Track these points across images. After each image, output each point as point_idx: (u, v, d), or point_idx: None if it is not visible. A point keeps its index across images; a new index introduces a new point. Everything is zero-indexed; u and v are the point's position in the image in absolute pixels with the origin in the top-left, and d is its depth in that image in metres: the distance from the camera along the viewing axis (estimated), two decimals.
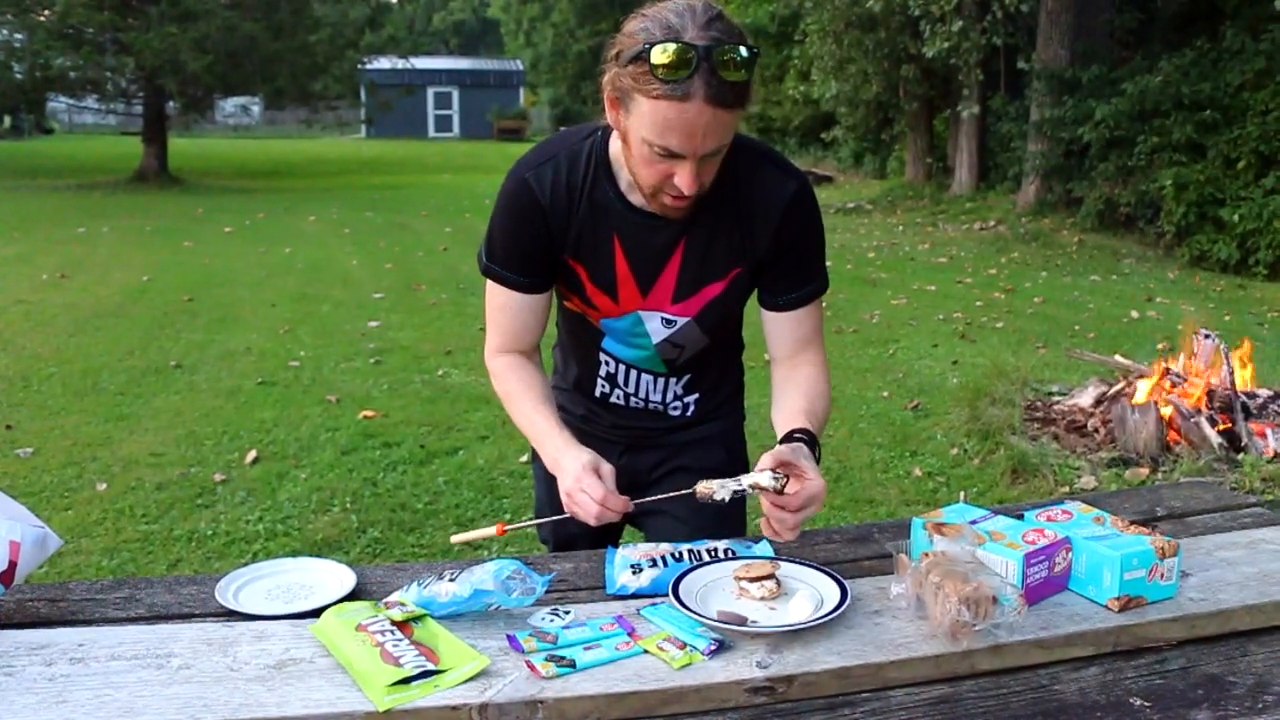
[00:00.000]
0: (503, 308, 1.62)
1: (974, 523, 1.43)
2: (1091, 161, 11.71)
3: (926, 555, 1.32)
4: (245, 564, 1.65)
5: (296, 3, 19.33)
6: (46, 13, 17.06)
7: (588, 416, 1.78)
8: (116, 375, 5.65)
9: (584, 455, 1.47)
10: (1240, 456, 4.00)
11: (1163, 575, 1.35)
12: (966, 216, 13.50)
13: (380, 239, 11.60)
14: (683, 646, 1.23)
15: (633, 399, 1.73)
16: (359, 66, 22.49)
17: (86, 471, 4.22)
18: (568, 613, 1.32)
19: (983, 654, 1.24)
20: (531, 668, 1.18)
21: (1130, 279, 9.45)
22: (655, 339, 1.63)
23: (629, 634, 1.26)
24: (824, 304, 1.65)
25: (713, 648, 1.22)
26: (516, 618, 1.31)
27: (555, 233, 1.54)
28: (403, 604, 1.30)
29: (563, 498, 1.47)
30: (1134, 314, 7.70)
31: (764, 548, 1.50)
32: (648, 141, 1.36)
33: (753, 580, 1.34)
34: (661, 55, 1.28)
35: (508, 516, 3.81)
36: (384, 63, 24.28)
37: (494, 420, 4.75)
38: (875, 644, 1.24)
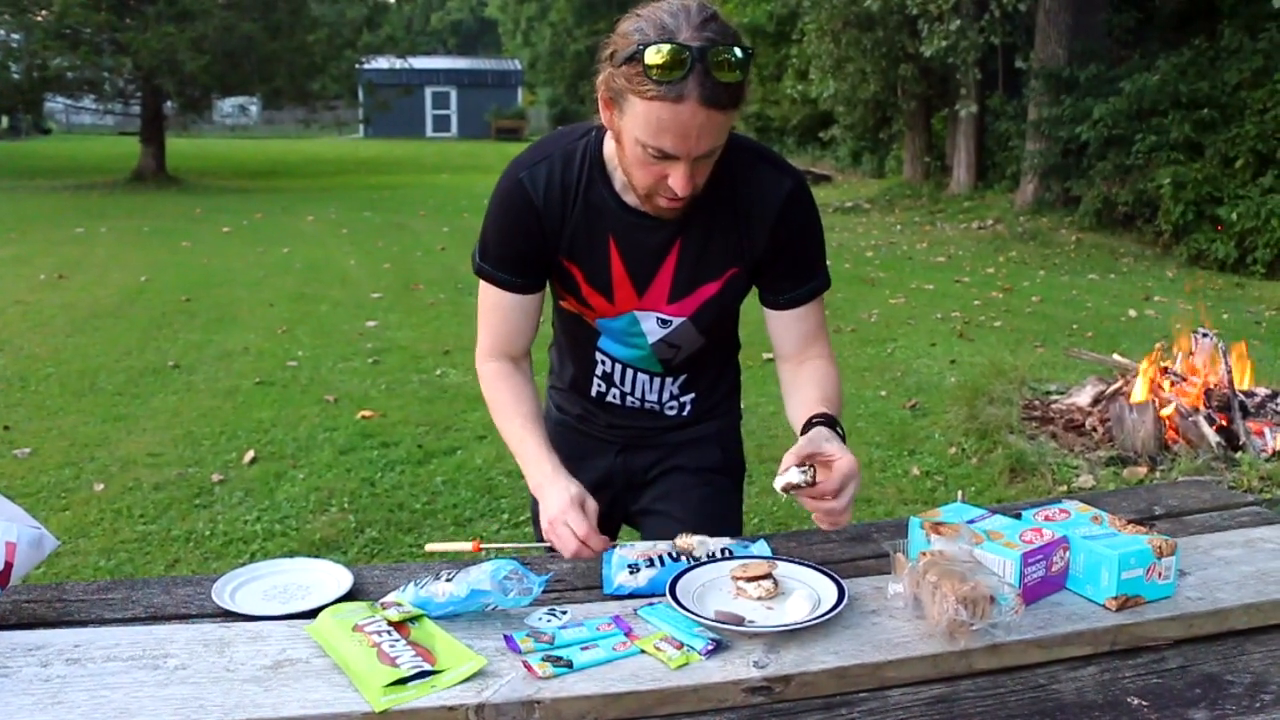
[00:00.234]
0: (495, 308, 1.62)
1: (972, 522, 1.43)
2: (1089, 160, 11.71)
3: (924, 554, 1.32)
4: (243, 564, 1.65)
5: (294, 2, 19.33)
6: (44, 13, 17.04)
7: (584, 416, 1.78)
8: (114, 375, 5.65)
9: (572, 488, 1.48)
10: (1238, 455, 4.00)
11: (1160, 574, 1.34)
12: (964, 215, 13.51)
13: (378, 239, 11.60)
14: (680, 646, 1.22)
15: (629, 398, 1.72)
16: (357, 66, 22.49)
17: (84, 472, 4.21)
18: (564, 613, 1.32)
19: (980, 653, 1.24)
20: (528, 668, 1.18)
21: (1128, 278, 9.45)
22: (651, 339, 1.62)
23: (626, 634, 1.26)
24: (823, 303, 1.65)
25: (710, 648, 1.22)
26: (513, 618, 1.30)
27: (549, 233, 1.54)
28: (399, 604, 1.30)
29: (544, 525, 1.47)
30: (1132, 313, 7.70)
31: (761, 547, 1.50)
32: (641, 142, 1.35)
33: (750, 580, 1.34)
34: (655, 56, 1.27)
35: (505, 517, 3.81)
36: (382, 62, 24.28)
37: (492, 421, 4.74)
38: (873, 644, 1.24)
